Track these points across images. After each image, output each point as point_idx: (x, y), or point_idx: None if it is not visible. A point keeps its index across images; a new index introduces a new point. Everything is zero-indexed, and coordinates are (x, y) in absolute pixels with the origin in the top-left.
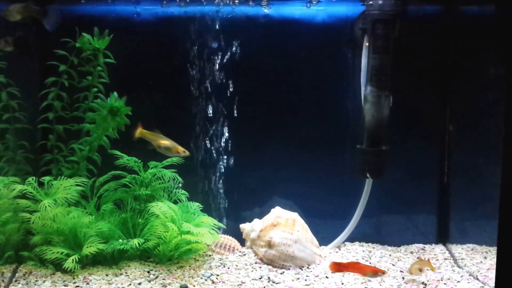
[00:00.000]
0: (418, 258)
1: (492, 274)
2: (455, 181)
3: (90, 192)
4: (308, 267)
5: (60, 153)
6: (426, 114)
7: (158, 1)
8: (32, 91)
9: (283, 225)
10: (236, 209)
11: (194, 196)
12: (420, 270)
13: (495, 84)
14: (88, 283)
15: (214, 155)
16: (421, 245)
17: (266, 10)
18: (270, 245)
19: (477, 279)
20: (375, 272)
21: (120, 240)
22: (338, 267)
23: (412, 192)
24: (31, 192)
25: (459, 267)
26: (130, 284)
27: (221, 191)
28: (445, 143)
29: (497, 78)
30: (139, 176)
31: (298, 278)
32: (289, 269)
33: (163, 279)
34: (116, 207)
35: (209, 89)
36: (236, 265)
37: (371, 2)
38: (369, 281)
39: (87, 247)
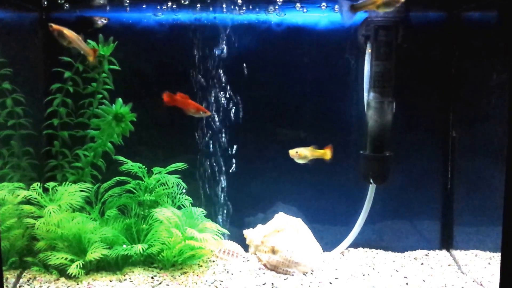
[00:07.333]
0: None
1: (496, 280)
2: (459, 187)
3: (94, 198)
4: (311, 273)
5: (65, 159)
6: (429, 120)
7: (156, 9)
8: (37, 97)
9: (286, 231)
10: (239, 215)
11: (198, 202)
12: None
13: (498, 90)
14: None
15: (218, 161)
16: (424, 251)
17: (275, 16)
18: (273, 251)
19: (481, 285)
20: (198, 110)
21: (124, 246)
22: (170, 98)
23: (416, 198)
24: (35, 198)
25: (462, 273)
26: None
27: (225, 197)
28: (448, 149)
29: (500, 84)
30: (143, 182)
31: (301, 284)
32: (292, 275)
33: (166, 285)
34: (120, 213)
35: (212, 96)
36: (240, 271)
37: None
38: (373, 287)
39: (91, 253)
